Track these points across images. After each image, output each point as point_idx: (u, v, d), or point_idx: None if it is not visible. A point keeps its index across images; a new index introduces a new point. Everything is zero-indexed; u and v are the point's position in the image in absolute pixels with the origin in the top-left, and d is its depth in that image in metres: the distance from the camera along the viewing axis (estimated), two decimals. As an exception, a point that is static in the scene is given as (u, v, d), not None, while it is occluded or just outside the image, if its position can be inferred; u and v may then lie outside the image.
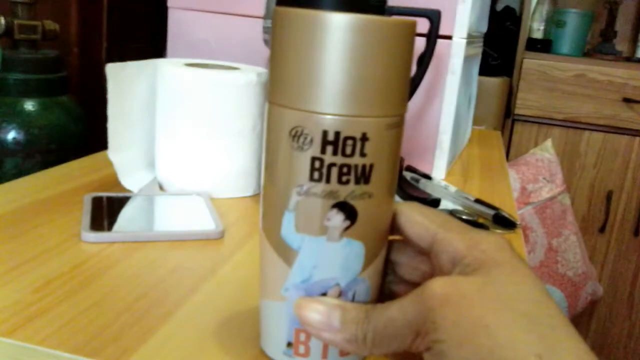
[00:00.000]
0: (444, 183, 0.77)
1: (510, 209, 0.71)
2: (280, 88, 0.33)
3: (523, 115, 2.06)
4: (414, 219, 0.35)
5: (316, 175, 0.32)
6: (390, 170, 0.34)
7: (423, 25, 0.71)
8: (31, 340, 0.37)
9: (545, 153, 1.88)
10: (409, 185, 0.76)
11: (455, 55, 0.81)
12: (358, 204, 0.33)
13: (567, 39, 2.17)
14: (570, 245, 1.83)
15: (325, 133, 0.32)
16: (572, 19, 2.16)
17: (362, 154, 0.32)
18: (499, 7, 2.16)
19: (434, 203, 0.71)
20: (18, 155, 0.85)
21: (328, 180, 0.32)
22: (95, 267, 0.48)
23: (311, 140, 0.32)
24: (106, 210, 0.59)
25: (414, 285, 0.33)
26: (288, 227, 0.34)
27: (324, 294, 0.34)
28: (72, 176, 0.70)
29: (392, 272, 0.38)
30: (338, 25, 0.31)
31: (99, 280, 0.46)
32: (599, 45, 2.29)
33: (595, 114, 2.00)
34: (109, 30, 1.17)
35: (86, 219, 0.56)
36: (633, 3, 2.33)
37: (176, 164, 0.67)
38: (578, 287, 1.84)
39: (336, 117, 0.32)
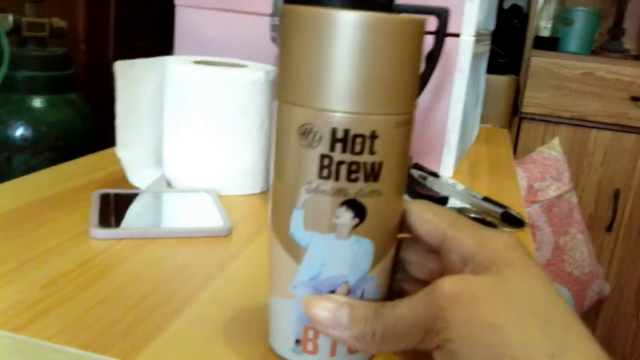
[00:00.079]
0: (451, 181, 0.76)
1: (518, 207, 0.71)
2: (289, 86, 0.33)
3: (530, 114, 2.05)
4: (424, 217, 0.35)
5: (325, 172, 0.32)
6: (400, 168, 0.34)
7: (431, 23, 0.71)
8: (40, 336, 0.37)
9: (552, 151, 1.87)
10: (417, 183, 0.76)
11: (463, 53, 0.81)
12: (367, 202, 0.33)
13: (574, 37, 2.16)
14: (577, 244, 1.82)
15: (334, 131, 0.32)
16: (580, 17, 2.16)
17: (372, 152, 0.32)
18: (507, 5, 2.15)
19: (442, 201, 0.71)
20: (26, 152, 0.85)
21: (337, 178, 0.32)
22: (104, 263, 0.48)
23: (320, 138, 0.32)
24: (114, 207, 0.59)
25: (424, 283, 0.32)
26: (297, 225, 0.34)
27: (333, 292, 0.34)
28: (80, 173, 0.70)
29: (402, 270, 0.38)
30: (347, 23, 0.31)
31: (107, 277, 0.46)
32: (606, 43, 2.28)
33: (603, 112, 1.99)
34: (116, 28, 1.17)
35: (94, 215, 0.56)
36: (641, 1, 2.32)
37: (184, 161, 0.67)
38: (585, 286, 1.84)
39: (345, 114, 0.32)
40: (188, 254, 0.52)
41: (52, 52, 0.90)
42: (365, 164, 0.32)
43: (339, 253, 0.34)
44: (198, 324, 0.41)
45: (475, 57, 0.88)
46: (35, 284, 0.44)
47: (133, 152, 0.68)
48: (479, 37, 0.86)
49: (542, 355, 0.26)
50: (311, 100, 0.32)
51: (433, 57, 0.73)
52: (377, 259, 0.34)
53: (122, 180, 0.66)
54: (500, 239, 0.32)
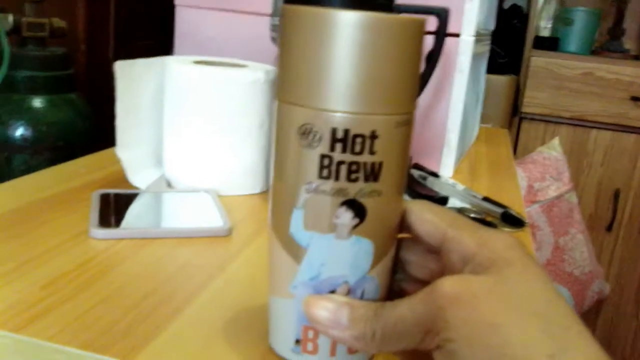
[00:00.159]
0: (451, 181, 0.76)
1: (518, 207, 0.71)
2: (289, 86, 0.33)
3: (530, 114, 2.05)
4: (424, 217, 0.35)
5: (325, 172, 0.32)
6: (400, 168, 0.34)
7: (431, 23, 0.71)
8: (40, 336, 0.37)
9: (552, 151, 1.87)
10: (417, 183, 0.76)
11: (463, 53, 0.81)
12: (367, 202, 0.33)
13: (574, 37, 2.16)
14: (577, 244, 1.82)
15: (334, 131, 0.32)
16: (580, 17, 2.16)
17: (372, 152, 0.32)
18: (506, 5, 2.15)
19: (442, 201, 0.71)
20: (26, 152, 0.85)
21: (337, 178, 0.32)
22: (104, 263, 0.48)
23: (320, 138, 0.32)
24: (114, 207, 0.59)
25: (424, 283, 0.32)
26: (297, 225, 0.34)
27: (333, 292, 0.34)
28: (80, 173, 0.70)
29: (402, 270, 0.38)
30: (348, 23, 0.31)
31: (107, 277, 0.46)
32: (606, 43, 2.28)
33: (603, 112, 1.99)
34: (116, 28, 1.17)
35: (94, 215, 0.56)
36: (641, 1, 2.32)
37: (184, 161, 0.67)
38: (585, 286, 1.84)
39: (345, 114, 0.32)
40: (188, 254, 0.52)
41: (52, 52, 0.90)
42: (365, 164, 0.32)
43: (339, 253, 0.34)
44: (198, 324, 0.41)
45: (475, 57, 0.88)
46: (35, 284, 0.44)
47: (133, 152, 0.68)
48: (479, 37, 0.86)
49: (542, 355, 0.26)
50: (311, 100, 0.32)
51: (433, 57, 0.73)
52: (377, 259, 0.34)
53: (122, 180, 0.66)
54: (501, 239, 0.32)
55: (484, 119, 1.23)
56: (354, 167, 0.32)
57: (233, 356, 0.38)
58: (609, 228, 2.07)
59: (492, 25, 1.07)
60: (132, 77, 0.66)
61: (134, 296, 0.44)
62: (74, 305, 0.41)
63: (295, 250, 0.34)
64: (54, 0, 0.98)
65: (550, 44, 2.15)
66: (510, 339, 0.27)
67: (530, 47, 2.04)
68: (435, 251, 0.35)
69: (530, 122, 2.06)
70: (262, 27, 0.87)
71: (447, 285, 0.29)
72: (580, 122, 2.02)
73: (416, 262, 0.37)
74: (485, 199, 0.71)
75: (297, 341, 0.36)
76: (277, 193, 0.35)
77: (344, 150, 0.32)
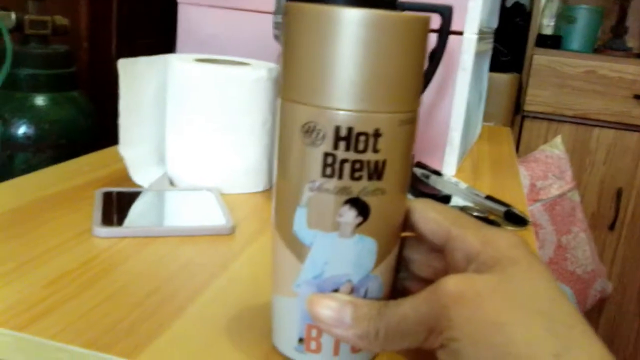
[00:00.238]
0: (454, 179, 0.76)
1: (521, 206, 0.71)
2: (292, 84, 0.33)
3: (533, 112, 2.05)
4: (428, 215, 0.35)
5: (329, 171, 0.32)
6: (404, 167, 0.34)
7: (434, 21, 0.71)
8: (43, 335, 0.37)
9: (554, 150, 1.87)
10: (420, 182, 0.76)
11: (467, 51, 0.81)
12: (371, 200, 0.33)
13: (577, 35, 2.16)
14: (579, 243, 1.82)
15: (337, 129, 0.32)
16: (583, 15, 2.15)
17: (375, 150, 0.32)
18: (509, 3, 2.15)
19: (445, 200, 0.71)
20: (28, 150, 0.85)
21: (340, 176, 0.32)
22: (106, 262, 0.48)
23: (324, 136, 0.32)
24: (117, 206, 0.59)
25: (427, 282, 0.32)
26: (300, 223, 0.34)
27: (336, 290, 0.34)
28: (82, 171, 0.70)
29: (405, 268, 0.38)
30: (352, 21, 0.31)
31: (110, 275, 0.46)
32: (609, 41, 2.28)
33: (606, 110, 1.99)
34: (118, 26, 1.17)
35: (97, 214, 0.56)
36: (644, -1, 2.31)
37: (186, 160, 0.67)
38: (587, 285, 1.84)
39: (349, 112, 0.32)
40: (191, 252, 0.52)
41: (55, 50, 0.90)
42: (368, 162, 0.32)
43: (343, 251, 0.34)
44: (201, 322, 0.41)
45: (478, 55, 0.88)
46: (38, 283, 0.44)
47: (136, 150, 0.68)
48: (482, 35, 0.86)
49: (547, 354, 0.26)
50: (314, 98, 0.32)
51: (436, 55, 0.73)
52: (380, 257, 0.34)
53: (125, 178, 0.66)
54: (504, 237, 0.32)
55: (486, 117, 1.23)
56: (357, 166, 0.32)
57: (236, 355, 0.37)
58: (612, 227, 2.07)
59: (494, 23, 1.07)
60: (135, 75, 0.66)
61: (137, 294, 0.44)
62: (77, 304, 0.41)
63: (298, 249, 0.34)
64: (56, -2, 0.98)
65: (552, 42, 2.14)
66: (515, 337, 0.27)
67: (532, 45, 2.03)
68: (438, 250, 0.35)
69: (532, 121, 2.06)
70: (265, 24, 0.87)
71: (451, 283, 0.29)
72: (582, 121, 2.02)
73: (420, 261, 0.37)
74: (488, 197, 0.71)
75: (301, 340, 0.36)
76: (281, 191, 0.35)
77: (347, 149, 0.32)
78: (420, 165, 0.80)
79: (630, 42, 2.31)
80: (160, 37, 1.28)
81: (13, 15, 0.85)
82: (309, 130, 0.32)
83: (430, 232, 0.35)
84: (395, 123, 0.32)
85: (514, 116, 2.04)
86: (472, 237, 0.32)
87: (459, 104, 0.83)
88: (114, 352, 0.36)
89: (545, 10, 2.19)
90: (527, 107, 2.04)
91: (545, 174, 1.80)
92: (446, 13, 0.71)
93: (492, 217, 0.67)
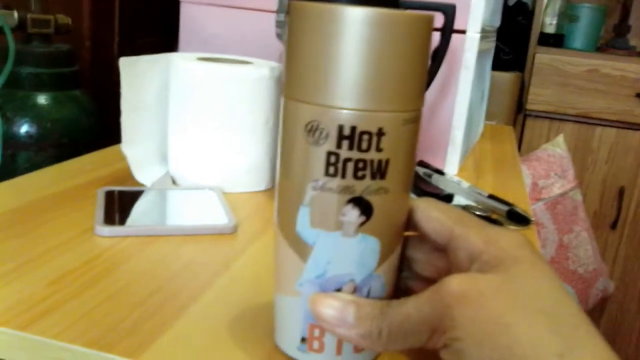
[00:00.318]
0: (456, 178, 0.76)
1: (523, 205, 0.70)
2: (295, 82, 0.33)
3: (535, 111, 2.05)
4: (431, 214, 0.35)
5: (332, 170, 0.32)
6: (407, 166, 0.34)
7: (437, 19, 0.71)
8: (45, 334, 0.37)
9: (557, 148, 1.87)
10: (422, 181, 0.75)
11: (469, 50, 0.81)
12: (374, 200, 0.33)
13: (579, 34, 2.15)
14: (581, 242, 1.82)
15: (341, 128, 0.32)
16: (585, 14, 2.15)
17: (378, 149, 0.32)
18: (511, 1, 2.14)
19: (447, 199, 0.71)
20: (30, 149, 0.85)
21: (344, 175, 0.32)
22: (109, 261, 0.48)
23: (327, 135, 0.32)
24: (119, 205, 0.59)
25: (430, 281, 0.32)
26: (303, 222, 0.34)
27: (339, 290, 0.34)
28: (84, 170, 0.70)
29: (408, 268, 0.38)
30: (355, 19, 0.31)
31: (113, 275, 0.46)
32: (612, 40, 2.27)
33: (608, 109, 1.99)
34: (121, 25, 1.17)
35: (100, 213, 0.56)
36: (647, -3, 2.31)
37: (189, 158, 0.67)
38: (589, 284, 1.84)
39: (352, 111, 0.31)
40: (193, 251, 0.52)
41: (57, 49, 0.90)
42: (372, 161, 0.32)
43: (346, 251, 0.33)
44: (204, 321, 0.41)
45: (481, 53, 0.88)
46: (41, 282, 0.44)
47: (138, 149, 0.68)
48: (484, 33, 0.86)
49: (551, 354, 0.26)
50: (318, 97, 0.32)
51: (439, 54, 0.73)
52: (383, 256, 0.34)
53: (127, 177, 0.66)
54: (508, 236, 0.31)
55: (488, 116, 1.23)
56: (360, 165, 0.32)
57: (239, 354, 0.37)
58: (614, 226, 2.07)
59: (497, 22, 1.06)
60: (137, 74, 0.66)
61: (139, 294, 0.44)
62: (79, 303, 0.41)
63: (301, 248, 0.34)
64: (58, -3, 0.98)
65: (555, 40, 2.14)
66: (519, 337, 0.27)
67: (535, 43, 2.03)
68: (441, 249, 0.35)
69: (534, 119, 2.06)
70: (267, 23, 0.87)
71: (454, 283, 0.29)
72: (585, 120, 2.02)
73: (423, 260, 0.37)
74: (491, 196, 0.71)
75: (303, 339, 0.36)
76: (284, 190, 0.35)
77: (350, 148, 0.32)
78: (422, 164, 0.80)
79: (633, 40, 2.30)
80: (162, 36, 1.28)
81: (16, 14, 0.85)
82: (312, 129, 0.32)
83: (433, 231, 0.35)
84: (398, 122, 0.32)
85: (517, 115, 2.04)
86: (475, 237, 0.32)
87: (461, 103, 0.83)
88: (117, 351, 0.36)
89: (548, 9, 2.19)
90: (530, 106, 2.04)
91: (548, 172, 1.80)
92: (449, 12, 0.71)
93: (494, 216, 0.67)
